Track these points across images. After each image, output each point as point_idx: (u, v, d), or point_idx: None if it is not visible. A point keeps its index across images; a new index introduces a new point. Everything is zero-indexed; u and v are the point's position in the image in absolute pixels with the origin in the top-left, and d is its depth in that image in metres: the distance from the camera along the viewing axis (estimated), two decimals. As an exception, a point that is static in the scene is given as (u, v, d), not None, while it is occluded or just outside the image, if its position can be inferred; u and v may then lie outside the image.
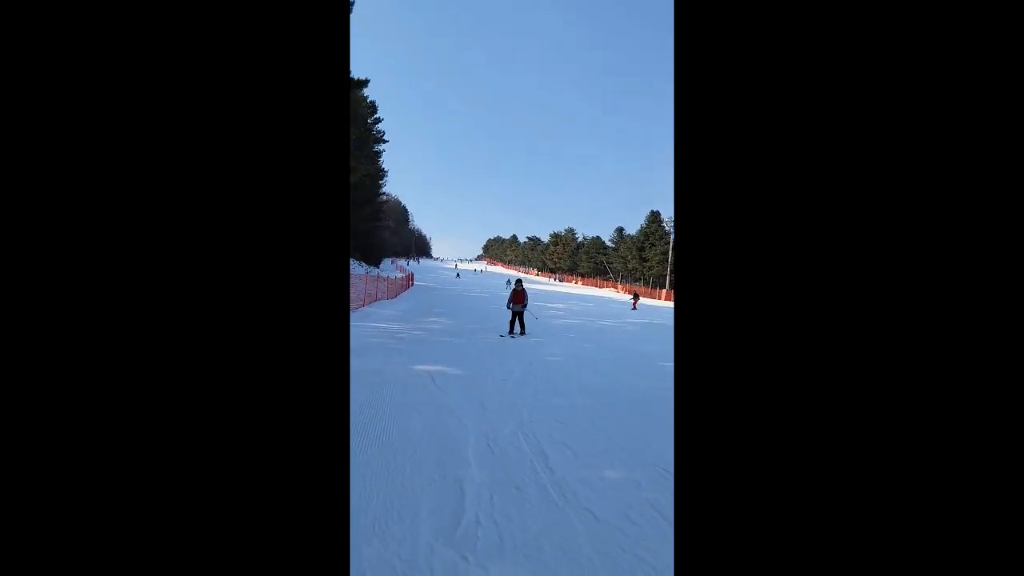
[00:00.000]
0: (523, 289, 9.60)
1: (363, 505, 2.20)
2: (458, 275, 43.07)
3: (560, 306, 20.17)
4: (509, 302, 9.40)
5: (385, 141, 34.88)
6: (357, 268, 25.63)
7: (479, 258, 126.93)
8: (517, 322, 9.30)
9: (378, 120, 33.59)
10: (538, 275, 68.62)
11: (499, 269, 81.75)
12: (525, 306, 9.45)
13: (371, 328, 8.58)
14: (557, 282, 56.52)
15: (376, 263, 39.78)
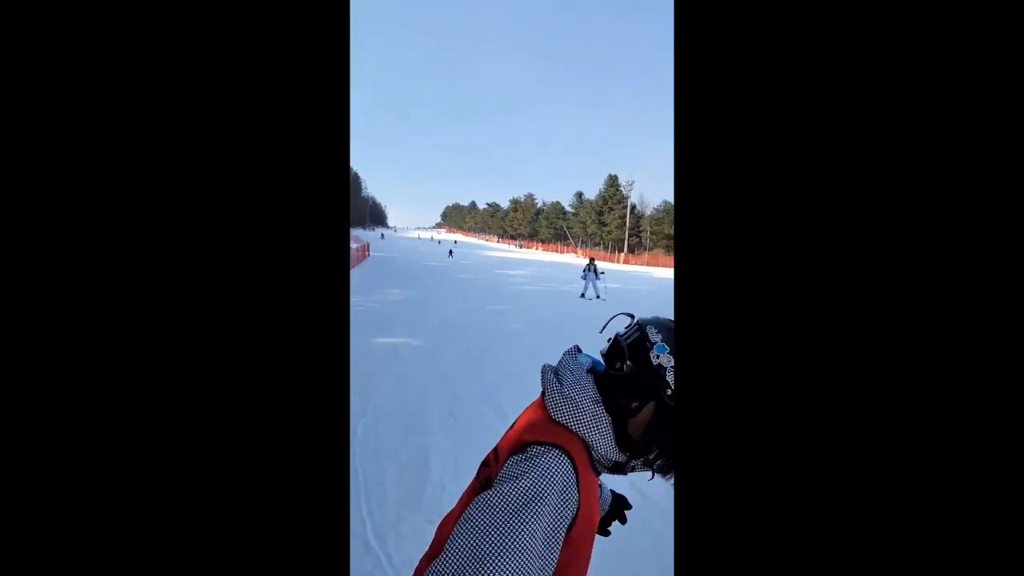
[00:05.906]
0: None
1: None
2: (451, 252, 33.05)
3: (520, 273, 20.32)
4: None
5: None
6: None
7: (438, 226, 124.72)
8: None
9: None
10: (498, 242, 68.50)
11: (459, 236, 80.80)
12: None
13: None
14: (518, 248, 56.71)
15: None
